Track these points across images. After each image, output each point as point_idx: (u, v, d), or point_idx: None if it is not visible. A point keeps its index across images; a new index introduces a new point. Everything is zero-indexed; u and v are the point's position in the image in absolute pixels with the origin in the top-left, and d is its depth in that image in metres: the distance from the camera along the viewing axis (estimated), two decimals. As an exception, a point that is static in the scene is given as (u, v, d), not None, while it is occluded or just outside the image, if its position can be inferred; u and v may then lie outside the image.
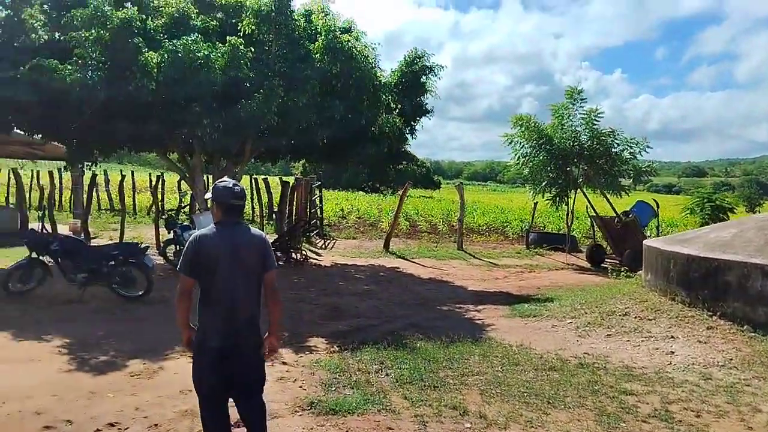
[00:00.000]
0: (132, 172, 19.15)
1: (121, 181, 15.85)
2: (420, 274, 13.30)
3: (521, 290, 11.76)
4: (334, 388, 5.65)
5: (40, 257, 8.98)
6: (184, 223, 12.05)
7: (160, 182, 16.16)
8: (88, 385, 5.54)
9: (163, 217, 12.76)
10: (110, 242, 11.88)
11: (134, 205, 22.70)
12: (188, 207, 12.98)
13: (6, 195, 23.89)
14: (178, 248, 11.78)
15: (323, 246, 16.05)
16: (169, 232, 12.15)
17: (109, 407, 5.02)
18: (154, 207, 15.69)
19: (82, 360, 6.26)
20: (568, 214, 17.96)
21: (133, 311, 8.54)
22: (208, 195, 4.12)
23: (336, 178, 49.77)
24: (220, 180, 4.06)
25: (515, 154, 17.74)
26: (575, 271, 15.07)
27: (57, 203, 21.10)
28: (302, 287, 11.02)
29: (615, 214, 15.71)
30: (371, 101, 10.81)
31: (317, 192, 19.60)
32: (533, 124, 16.79)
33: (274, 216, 19.41)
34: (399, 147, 12.81)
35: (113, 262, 8.98)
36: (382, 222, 25.09)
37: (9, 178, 22.92)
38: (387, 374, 6.07)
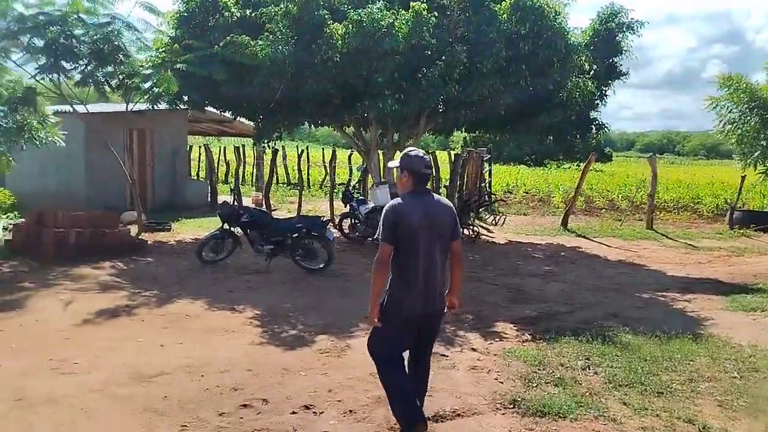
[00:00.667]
0: (307, 148, 19.90)
1: (300, 156, 16.36)
2: (607, 255, 12.07)
3: (733, 278, 10.13)
4: (535, 385, 5.00)
5: (231, 228, 9.34)
6: (360, 197, 12.01)
7: (335, 157, 16.46)
8: (281, 360, 5.46)
9: (335, 191, 12.84)
10: (293, 216, 12.21)
11: (308, 179, 23.62)
12: (360, 181, 12.95)
13: (197, 170, 26.13)
14: (353, 222, 11.78)
15: (494, 222, 15.28)
16: (345, 206, 12.20)
17: (302, 387, 4.85)
18: (329, 181, 16.00)
19: (272, 333, 6.26)
20: (784, 190, 15.39)
21: (314, 284, 8.56)
22: (394, 163, 4.02)
23: (498, 151, 48.28)
24: (410, 149, 3.99)
25: (720, 120, 15.52)
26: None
27: (241, 177, 22.59)
28: (478, 266, 10.44)
29: None
30: (561, 63, 9.77)
31: (486, 166, 18.82)
32: (744, 85, 14.46)
33: (444, 190, 19.02)
34: (587, 114, 11.59)
35: (296, 235, 9.08)
36: (553, 197, 23.68)
37: (200, 154, 25.04)
38: (596, 373, 5.29)
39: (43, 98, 10.04)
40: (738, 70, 13.56)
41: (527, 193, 24.95)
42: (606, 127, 11.51)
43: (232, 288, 8.12)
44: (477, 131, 12.90)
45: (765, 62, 14.81)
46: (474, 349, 5.97)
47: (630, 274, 10.29)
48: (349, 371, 5.24)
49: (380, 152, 13.18)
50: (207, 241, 9.37)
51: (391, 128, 12.74)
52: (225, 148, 27.44)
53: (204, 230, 12.67)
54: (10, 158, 9.34)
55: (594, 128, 11.57)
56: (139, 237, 10.82)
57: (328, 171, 15.94)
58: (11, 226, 10.40)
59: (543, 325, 6.85)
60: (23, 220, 10.41)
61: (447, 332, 6.46)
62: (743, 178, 16.54)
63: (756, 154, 14.60)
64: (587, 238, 14.21)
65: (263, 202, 17.72)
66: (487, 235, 13.83)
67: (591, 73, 10.83)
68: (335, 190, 15.12)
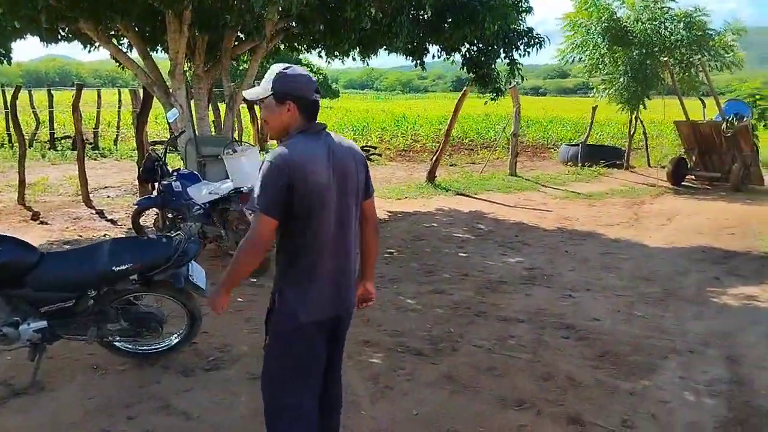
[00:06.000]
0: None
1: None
2: (534, 222, 8.76)
3: (731, 242, 7.73)
4: None
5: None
6: (183, 170, 6.47)
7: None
8: None
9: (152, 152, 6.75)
10: (85, 242, 6.31)
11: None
12: (175, 139, 6.99)
13: None
14: (172, 217, 6.28)
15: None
16: (147, 185, 6.63)
17: None
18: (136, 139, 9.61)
19: None
20: (631, 122, 14.21)
21: (176, 404, 3.42)
22: (254, 92, 2.34)
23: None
24: (283, 66, 2.30)
25: (570, 42, 13.59)
26: (690, 195, 11.49)
27: None
28: (414, 271, 6.22)
29: (722, 118, 11.95)
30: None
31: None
32: (602, 5, 12.81)
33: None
34: (510, 26, 7.53)
35: (108, 289, 3.68)
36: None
37: None
38: None
39: None
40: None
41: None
42: (542, 39, 7.65)
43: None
44: (359, 50, 7.86)
45: None
46: None
47: (613, 252, 7.16)
48: None
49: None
50: None
51: (201, 38, 7.32)
52: None
53: None
54: None
55: (524, 44, 7.66)
56: None
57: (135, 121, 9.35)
58: None
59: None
60: None
61: None
62: (594, 108, 14.96)
63: (620, 82, 13.07)
64: (468, 195, 10.86)
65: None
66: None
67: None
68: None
